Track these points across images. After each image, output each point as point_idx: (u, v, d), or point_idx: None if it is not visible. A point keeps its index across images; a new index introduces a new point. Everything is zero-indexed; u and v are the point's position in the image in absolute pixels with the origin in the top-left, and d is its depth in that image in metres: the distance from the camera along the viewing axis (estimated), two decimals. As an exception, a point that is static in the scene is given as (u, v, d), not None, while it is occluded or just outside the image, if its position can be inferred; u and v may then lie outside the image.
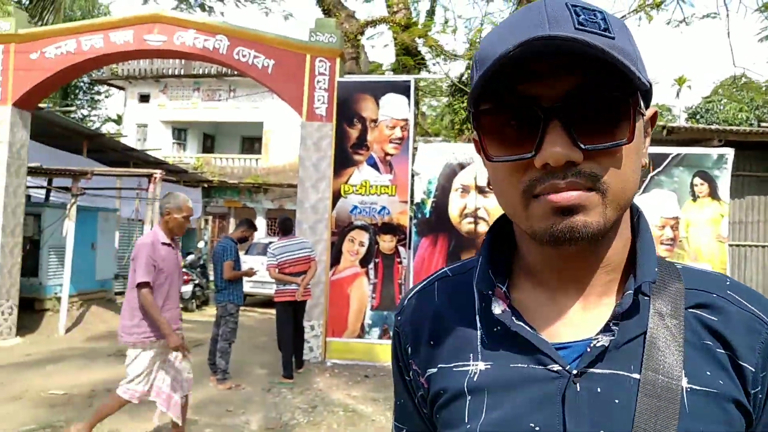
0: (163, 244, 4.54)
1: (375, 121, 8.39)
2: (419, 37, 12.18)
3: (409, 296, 0.90)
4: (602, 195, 0.67)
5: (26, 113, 9.34)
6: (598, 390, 0.69)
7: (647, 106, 0.73)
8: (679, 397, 0.68)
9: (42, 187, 11.67)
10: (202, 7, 13.66)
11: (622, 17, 10.16)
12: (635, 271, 0.74)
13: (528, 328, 0.73)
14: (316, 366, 7.91)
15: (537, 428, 0.70)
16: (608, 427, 0.68)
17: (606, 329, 0.72)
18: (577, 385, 0.70)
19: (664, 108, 26.43)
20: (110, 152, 14.55)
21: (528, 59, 0.64)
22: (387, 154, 8.35)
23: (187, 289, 12.57)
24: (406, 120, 8.39)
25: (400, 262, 8.21)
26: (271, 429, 5.43)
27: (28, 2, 14.27)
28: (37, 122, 10.25)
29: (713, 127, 10.37)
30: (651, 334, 0.71)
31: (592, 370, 0.70)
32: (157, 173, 12.65)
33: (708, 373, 0.70)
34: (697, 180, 7.70)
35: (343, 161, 8.40)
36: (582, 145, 0.65)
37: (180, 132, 25.13)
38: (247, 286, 10.13)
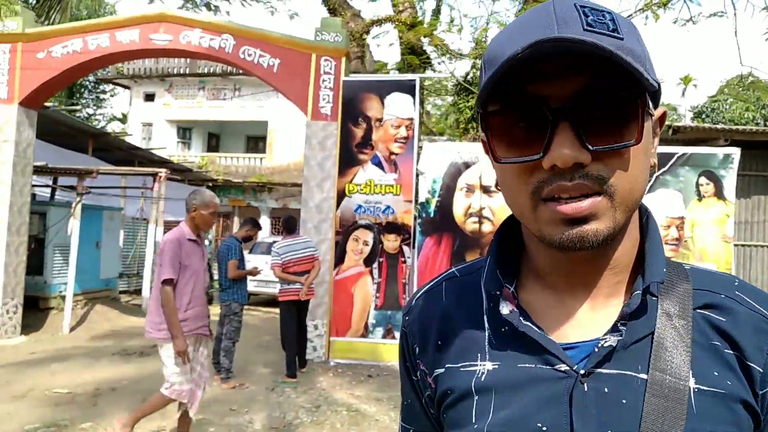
0: (189, 240, 4.56)
1: (380, 120, 8.39)
2: (425, 36, 12.16)
3: (417, 296, 0.90)
4: (610, 198, 0.67)
5: (32, 112, 9.38)
6: (606, 390, 0.69)
7: (656, 106, 0.73)
8: (686, 397, 0.68)
9: (47, 186, 11.70)
10: (207, 6, 13.67)
11: (629, 16, 10.14)
12: (643, 271, 0.74)
13: (535, 329, 0.73)
14: (320, 365, 7.92)
15: (544, 428, 0.70)
16: (615, 427, 0.68)
17: (614, 329, 0.72)
18: (585, 385, 0.70)
19: (669, 107, 26.34)
20: (115, 151, 14.61)
21: (536, 60, 0.64)
22: (392, 153, 8.36)
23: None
24: (411, 119, 8.39)
25: (405, 262, 8.21)
26: (274, 428, 5.44)
27: (35, 2, 14.30)
28: (43, 121, 10.30)
29: (719, 126, 10.32)
30: (659, 335, 0.71)
31: (599, 370, 0.70)
32: (162, 172, 12.72)
33: (715, 373, 0.70)
34: (703, 180, 7.68)
35: (347, 160, 8.40)
36: (590, 147, 0.65)
37: (185, 131, 25.19)
38: (252, 285, 10.15)
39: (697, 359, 0.70)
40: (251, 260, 10.18)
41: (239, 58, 8.80)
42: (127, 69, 23.72)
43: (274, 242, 8.00)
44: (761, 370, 0.71)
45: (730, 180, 7.69)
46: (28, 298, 9.77)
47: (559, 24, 0.64)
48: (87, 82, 28.48)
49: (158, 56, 11.54)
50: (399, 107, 8.39)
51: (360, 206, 8.33)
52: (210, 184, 19.92)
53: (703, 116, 20.89)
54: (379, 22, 12.25)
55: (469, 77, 12.19)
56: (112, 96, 30.78)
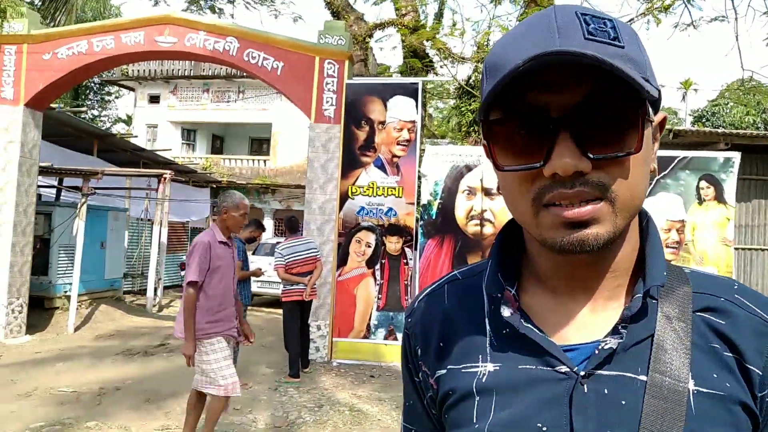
0: (220, 242, 4.58)
1: (383, 123, 8.43)
2: (427, 40, 12.20)
3: (419, 299, 0.91)
4: (611, 204, 0.67)
5: (38, 113, 9.43)
6: (606, 391, 0.70)
7: (656, 112, 0.73)
8: (685, 399, 0.68)
9: (53, 187, 11.75)
10: (212, 9, 13.76)
11: (630, 20, 10.17)
12: (644, 274, 0.74)
13: (536, 331, 0.74)
14: (323, 366, 7.96)
15: (544, 428, 0.70)
16: (615, 428, 0.68)
17: (614, 332, 0.72)
18: (585, 386, 0.70)
19: (670, 111, 26.35)
20: (120, 152, 14.61)
21: (538, 70, 0.64)
22: (394, 155, 8.40)
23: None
24: (413, 122, 8.43)
25: (407, 263, 8.25)
26: (278, 428, 5.46)
27: (40, 3, 14.39)
28: (49, 122, 10.35)
29: (720, 130, 10.34)
30: (658, 337, 0.72)
31: (599, 371, 0.71)
32: (167, 173, 12.77)
33: (715, 375, 0.71)
34: (703, 183, 7.69)
35: (350, 163, 8.44)
36: (590, 155, 0.66)
37: (189, 133, 25.24)
38: (255, 286, 10.21)
39: (697, 362, 0.71)
40: (255, 261, 10.22)
41: (243, 61, 8.84)
42: (131, 71, 23.77)
43: (278, 243, 8.04)
44: (760, 373, 0.71)
45: (730, 183, 7.70)
46: (33, 297, 9.83)
47: (560, 32, 0.65)
48: (92, 84, 28.58)
49: (163, 58, 11.58)
50: (401, 110, 8.42)
51: (363, 208, 8.37)
52: (214, 186, 20.00)
53: (704, 120, 20.89)
54: (382, 25, 12.29)
55: (471, 81, 12.26)
56: (117, 98, 30.88)
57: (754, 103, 20.62)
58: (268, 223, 21.97)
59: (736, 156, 7.78)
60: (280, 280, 7.34)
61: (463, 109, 12.33)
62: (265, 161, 23.20)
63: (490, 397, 0.75)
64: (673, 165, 7.68)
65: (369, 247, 8.32)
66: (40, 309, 10.33)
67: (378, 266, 8.28)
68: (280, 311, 7.48)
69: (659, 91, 0.71)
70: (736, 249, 8.62)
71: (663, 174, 7.66)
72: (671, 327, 0.72)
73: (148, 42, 8.99)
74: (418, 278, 7.98)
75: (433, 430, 0.87)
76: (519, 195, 0.71)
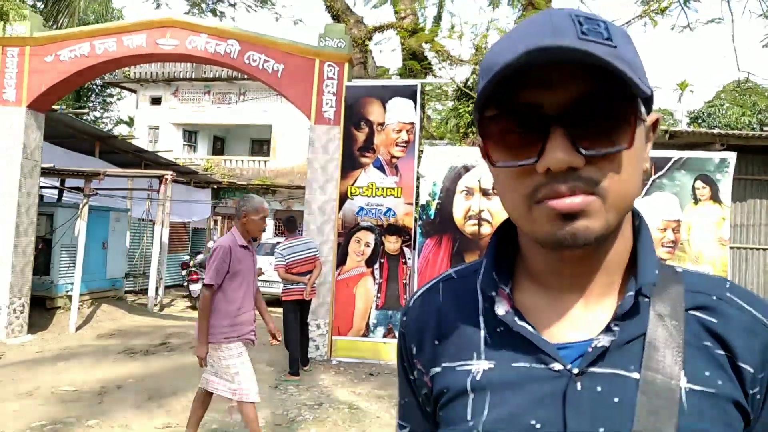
0: (241, 246, 4.58)
1: (382, 124, 8.49)
2: (426, 43, 12.27)
3: (415, 297, 0.91)
4: (603, 200, 0.68)
5: (40, 115, 9.47)
6: (599, 389, 0.71)
7: (648, 113, 0.74)
8: (677, 396, 0.69)
9: (55, 188, 11.80)
10: (213, 12, 13.84)
11: (628, 22, 10.26)
12: (636, 273, 0.75)
13: (530, 329, 0.75)
14: (322, 364, 8.01)
15: (538, 425, 0.71)
16: (608, 425, 0.69)
17: (607, 330, 0.73)
18: (578, 384, 0.71)
19: (666, 112, 26.36)
20: (122, 154, 14.66)
21: (531, 67, 0.65)
22: (393, 156, 8.46)
23: (196, 287, 12.72)
24: (412, 124, 8.49)
25: (405, 263, 8.31)
26: (278, 425, 5.51)
27: (43, 6, 14.47)
28: (51, 124, 10.41)
29: (715, 131, 10.39)
30: (651, 335, 0.72)
31: (592, 369, 0.72)
32: (168, 174, 12.83)
33: (707, 373, 0.71)
34: (699, 183, 7.71)
35: (350, 163, 8.51)
36: (583, 151, 0.66)
37: (191, 134, 25.32)
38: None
39: (689, 359, 0.72)
40: (255, 261, 10.27)
41: (244, 64, 8.90)
42: (133, 73, 23.82)
43: (278, 243, 8.11)
44: (752, 371, 0.72)
45: (725, 184, 7.72)
46: (35, 297, 9.87)
47: (554, 32, 0.66)
48: (94, 86, 28.61)
49: (165, 61, 11.64)
50: (400, 112, 8.48)
51: (362, 208, 8.44)
52: (215, 187, 20.07)
53: (700, 121, 20.92)
54: (381, 28, 12.35)
55: (469, 83, 12.31)
56: (118, 99, 30.89)
57: (750, 104, 20.67)
58: (269, 223, 22.01)
59: (731, 156, 7.79)
60: (280, 280, 7.41)
61: (461, 110, 12.39)
62: (265, 162, 23.27)
63: (485, 394, 0.76)
64: (669, 165, 7.71)
65: (368, 246, 8.39)
66: (41, 309, 10.38)
67: (377, 265, 8.34)
68: (280, 310, 7.53)
69: (651, 91, 0.72)
70: (731, 248, 8.68)
71: (659, 174, 7.70)
72: (663, 325, 0.73)
73: (149, 44, 9.03)
74: (417, 277, 8.05)
75: (428, 427, 0.87)
76: (513, 191, 0.72)
